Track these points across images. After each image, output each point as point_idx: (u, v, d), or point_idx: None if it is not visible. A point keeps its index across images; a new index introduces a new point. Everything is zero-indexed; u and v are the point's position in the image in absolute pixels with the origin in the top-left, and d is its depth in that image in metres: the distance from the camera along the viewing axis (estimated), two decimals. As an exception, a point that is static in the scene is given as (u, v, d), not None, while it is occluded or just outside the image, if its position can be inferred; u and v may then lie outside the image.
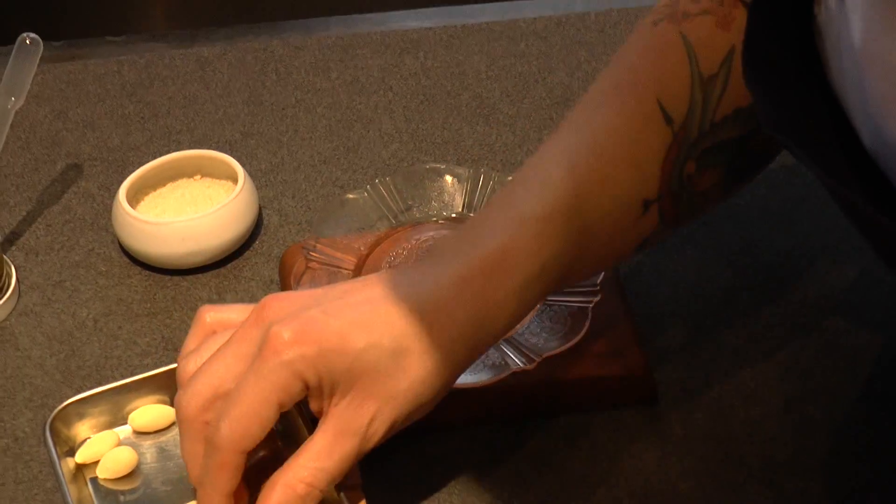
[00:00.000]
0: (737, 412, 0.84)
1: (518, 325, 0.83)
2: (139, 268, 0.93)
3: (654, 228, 0.76)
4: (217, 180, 0.96)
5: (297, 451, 0.69)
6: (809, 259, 0.92)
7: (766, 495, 0.79)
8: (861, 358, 0.87)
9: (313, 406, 0.70)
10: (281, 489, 0.68)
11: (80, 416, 0.78)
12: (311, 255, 0.88)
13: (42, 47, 0.89)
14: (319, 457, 0.69)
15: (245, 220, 0.92)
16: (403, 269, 0.72)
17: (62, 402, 0.79)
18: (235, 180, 0.94)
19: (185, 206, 0.94)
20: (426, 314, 0.69)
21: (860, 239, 0.93)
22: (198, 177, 0.96)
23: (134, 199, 0.93)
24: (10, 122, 0.89)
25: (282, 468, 0.70)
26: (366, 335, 0.68)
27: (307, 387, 0.68)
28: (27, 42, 0.88)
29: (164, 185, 0.95)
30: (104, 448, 0.77)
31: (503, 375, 0.81)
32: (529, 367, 0.81)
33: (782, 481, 0.79)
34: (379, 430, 0.69)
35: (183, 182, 0.96)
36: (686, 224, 0.79)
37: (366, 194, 0.92)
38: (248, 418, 0.67)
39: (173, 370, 0.79)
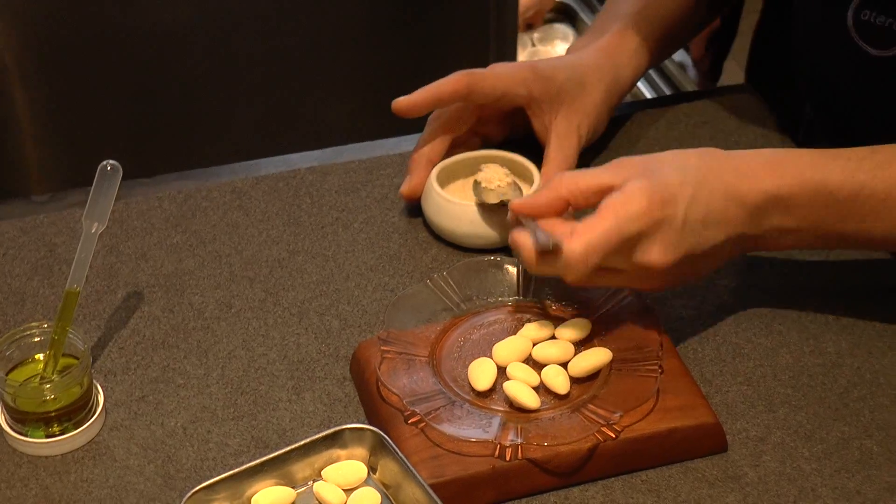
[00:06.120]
0: (800, 451, 0.91)
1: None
2: (215, 377, 0.97)
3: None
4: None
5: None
6: (836, 314, 1.00)
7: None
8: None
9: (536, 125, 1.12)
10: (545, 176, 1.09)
11: (208, 503, 0.81)
12: (386, 347, 0.94)
13: (121, 173, 0.94)
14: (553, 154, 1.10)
15: None
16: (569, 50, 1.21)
17: (168, 504, 0.83)
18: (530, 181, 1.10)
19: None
20: (589, 65, 1.14)
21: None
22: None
23: (443, 183, 1.10)
24: (94, 246, 0.94)
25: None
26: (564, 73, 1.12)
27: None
28: (108, 168, 0.93)
29: (465, 176, 1.11)
30: (235, 530, 0.81)
31: (588, 435, 0.87)
32: (611, 422, 0.87)
33: (858, 505, 0.86)
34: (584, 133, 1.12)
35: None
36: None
37: (426, 289, 0.98)
38: None
39: (287, 453, 0.84)
